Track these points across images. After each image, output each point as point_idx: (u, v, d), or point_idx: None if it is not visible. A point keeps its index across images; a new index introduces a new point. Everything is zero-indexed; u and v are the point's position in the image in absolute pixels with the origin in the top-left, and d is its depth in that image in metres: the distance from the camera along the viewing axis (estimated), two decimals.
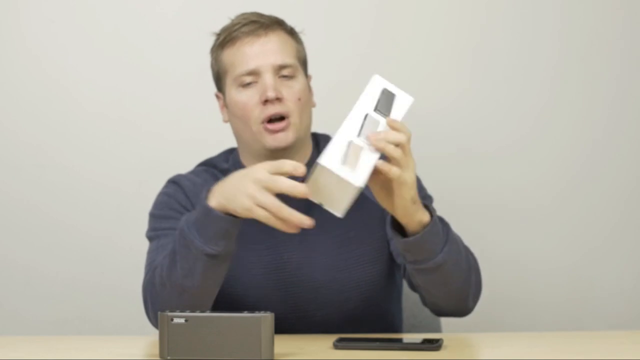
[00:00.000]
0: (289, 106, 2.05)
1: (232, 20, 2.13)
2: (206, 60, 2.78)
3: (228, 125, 2.65)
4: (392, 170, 1.79)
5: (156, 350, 1.68)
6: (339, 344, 1.78)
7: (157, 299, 1.95)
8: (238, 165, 2.12)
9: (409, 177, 1.81)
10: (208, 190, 1.88)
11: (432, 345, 1.77)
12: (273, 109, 2.04)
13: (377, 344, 1.78)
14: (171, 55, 2.79)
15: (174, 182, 2.15)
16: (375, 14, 2.79)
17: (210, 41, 2.79)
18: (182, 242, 1.88)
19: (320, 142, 2.17)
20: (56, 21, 2.79)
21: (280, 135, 2.05)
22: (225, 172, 2.09)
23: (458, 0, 2.80)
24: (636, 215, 2.83)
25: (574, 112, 2.81)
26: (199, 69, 2.79)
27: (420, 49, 2.80)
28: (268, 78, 2.04)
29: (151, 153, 2.79)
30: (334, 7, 2.74)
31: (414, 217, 1.86)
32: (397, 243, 1.91)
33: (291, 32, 2.13)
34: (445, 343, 1.81)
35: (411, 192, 1.83)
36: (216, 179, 2.07)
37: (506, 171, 2.82)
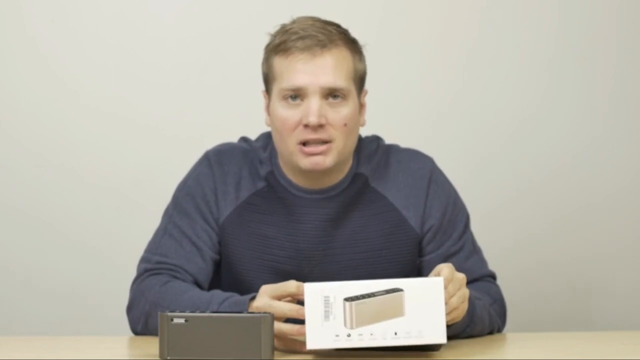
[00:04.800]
0: (332, 132, 1.96)
1: (292, 21, 2.00)
2: (207, 59, 2.80)
3: (228, 125, 2.66)
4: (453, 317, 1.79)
5: (156, 350, 1.68)
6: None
7: (136, 307, 1.98)
8: (274, 161, 2.06)
9: (465, 308, 1.81)
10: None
11: (432, 345, 1.76)
12: (313, 135, 1.95)
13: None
14: (172, 55, 2.79)
15: (208, 164, 2.08)
16: (376, 15, 2.80)
17: (210, 41, 2.80)
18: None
19: (362, 147, 2.08)
20: (56, 21, 2.79)
21: (318, 158, 1.96)
22: (262, 162, 2.06)
23: (458, 0, 2.81)
24: (636, 214, 2.83)
25: (572, 111, 2.82)
26: (200, 69, 2.80)
27: (421, 48, 2.81)
28: (314, 102, 1.94)
29: (152, 153, 2.79)
30: (333, 8, 2.75)
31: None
32: None
33: (352, 47, 2.00)
34: (445, 343, 1.81)
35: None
36: (252, 166, 2.06)
37: (506, 170, 2.82)
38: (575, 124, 2.82)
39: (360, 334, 1.67)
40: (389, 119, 2.77)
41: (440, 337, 1.68)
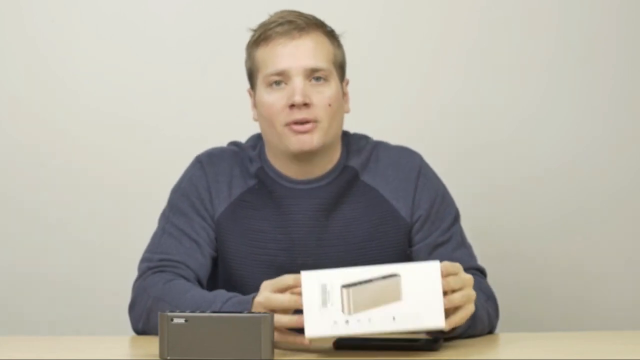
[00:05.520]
0: (318, 112, 2.00)
1: (270, 17, 2.07)
2: (208, 59, 2.80)
3: (230, 125, 2.66)
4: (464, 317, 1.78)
5: (156, 350, 1.68)
6: (339, 344, 1.78)
7: (138, 306, 1.98)
8: (264, 157, 2.09)
9: (472, 308, 1.79)
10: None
11: (432, 345, 1.77)
12: (300, 115, 1.99)
13: (377, 343, 1.78)
14: (172, 55, 2.79)
15: (201, 166, 2.12)
16: (376, 15, 2.80)
17: (210, 41, 2.80)
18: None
19: (351, 142, 2.12)
20: (56, 21, 2.79)
21: (305, 137, 2.00)
22: (252, 160, 2.09)
23: (458, 1, 2.81)
24: (637, 214, 2.83)
25: (572, 111, 2.82)
26: (201, 69, 2.80)
27: (421, 48, 2.81)
28: (297, 82, 1.99)
29: (152, 153, 2.79)
30: (334, 8, 2.75)
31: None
32: None
33: (330, 35, 2.06)
34: (445, 343, 1.81)
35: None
36: (242, 165, 2.09)
37: (506, 170, 2.82)
38: (575, 124, 2.82)
39: (359, 320, 1.68)
40: (389, 119, 2.77)
41: (439, 320, 1.68)
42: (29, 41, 2.79)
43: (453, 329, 1.81)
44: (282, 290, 1.77)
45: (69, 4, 2.79)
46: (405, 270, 1.69)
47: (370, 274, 1.68)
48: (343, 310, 1.67)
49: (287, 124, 2.00)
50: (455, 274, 1.75)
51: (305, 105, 1.99)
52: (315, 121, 2.00)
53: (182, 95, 2.80)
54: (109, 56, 2.79)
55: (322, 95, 2.01)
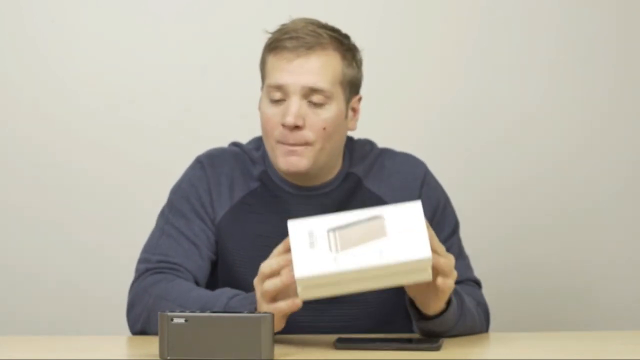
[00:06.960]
0: (309, 135, 1.97)
1: (291, 22, 2.02)
2: (208, 60, 2.80)
3: (230, 125, 2.67)
4: (439, 281, 1.78)
5: (156, 350, 1.68)
6: (340, 344, 1.78)
7: (139, 305, 1.97)
8: (267, 160, 2.07)
9: (451, 284, 1.81)
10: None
11: (432, 345, 1.77)
12: (291, 136, 1.97)
13: (377, 344, 1.79)
14: (173, 55, 2.79)
15: (201, 167, 2.09)
16: (375, 15, 2.80)
17: (211, 41, 2.80)
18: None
19: (355, 148, 2.10)
20: (56, 21, 2.79)
21: (293, 159, 1.98)
22: (255, 162, 2.08)
23: (458, 1, 2.81)
24: (636, 214, 2.83)
25: (572, 111, 2.82)
26: (201, 69, 2.80)
27: (421, 48, 2.81)
28: (293, 102, 1.96)
29: (152, 153, 2.79)
30: (333, 8, 2.75)
31: (439, 307, 1.85)
32: (414, 321, 1.91)
33: (344, 52, 2.01)
34: (445, 343, 1.81)
35: (448, 296, 1.83)
36: (244, 167, 2.07)
37: (507, 170, 2.82)
38: (575, 124, 2.82)
39: (346, 257, 1.71)
40: (389, 119, 2.77)
41: (425, 251, 1.71)
42: (29, 41, 2.79)
43: (444, 316, 1.83)
44: (268, 276, 1.77)
45: (69, 4, 2.79)
46: (388, 211, 1.74)
47: (354, 218, 1.73)
48: (330, 250, 1.71)
49: (279, 141, 1.98)
50: (437, 243, 1.77)
51: (297, 127, 1.96)
52: (306, 144, 1.98)
53: (182, 95, 2.80)
54: (109, 56, 2.79)
55: (318, 117, 1.97)
